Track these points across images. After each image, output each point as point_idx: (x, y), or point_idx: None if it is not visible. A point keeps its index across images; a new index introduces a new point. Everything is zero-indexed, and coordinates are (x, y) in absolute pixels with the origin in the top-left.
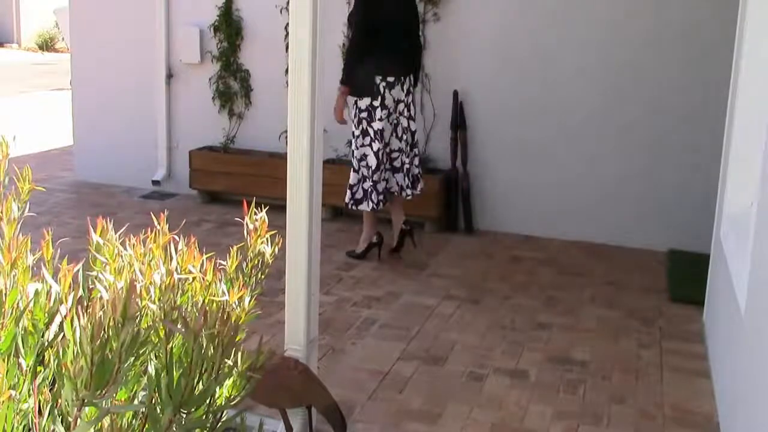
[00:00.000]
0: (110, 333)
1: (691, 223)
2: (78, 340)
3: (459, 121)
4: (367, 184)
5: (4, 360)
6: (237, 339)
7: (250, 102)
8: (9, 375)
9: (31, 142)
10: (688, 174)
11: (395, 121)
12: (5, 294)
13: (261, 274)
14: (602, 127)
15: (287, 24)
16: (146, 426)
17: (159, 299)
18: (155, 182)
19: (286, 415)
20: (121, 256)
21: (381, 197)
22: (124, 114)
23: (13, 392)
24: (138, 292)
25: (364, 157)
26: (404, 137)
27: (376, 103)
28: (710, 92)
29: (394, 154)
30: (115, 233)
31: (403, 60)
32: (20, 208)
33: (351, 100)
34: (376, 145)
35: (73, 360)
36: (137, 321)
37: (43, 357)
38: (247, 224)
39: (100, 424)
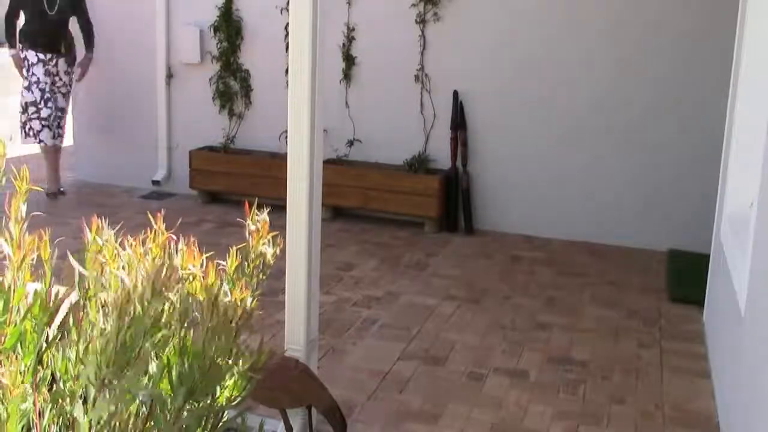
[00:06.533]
0: (136, 312)
1: (691, 223)
2: (103, 318)
3: (459, 121)
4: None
5: (8, 358)
6: (245, 331)
7: (250, 102)
8: (14, 372)
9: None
10: (688, 174)
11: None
12: (13, 291)
13: (263, 275)
14: (602, 127)
15: (287, 24)
16: (150, 418)
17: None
18: (155, 182)
19: (286, 415)
20: (120, 257)
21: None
22: (124, 114)
23: (26, 386)
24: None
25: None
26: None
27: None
28: (710, 93)
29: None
30: (114, 233)
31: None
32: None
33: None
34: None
35: (99, 337)
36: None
37: (41, 357)
38: (248, 225)
39: (113, 407)
